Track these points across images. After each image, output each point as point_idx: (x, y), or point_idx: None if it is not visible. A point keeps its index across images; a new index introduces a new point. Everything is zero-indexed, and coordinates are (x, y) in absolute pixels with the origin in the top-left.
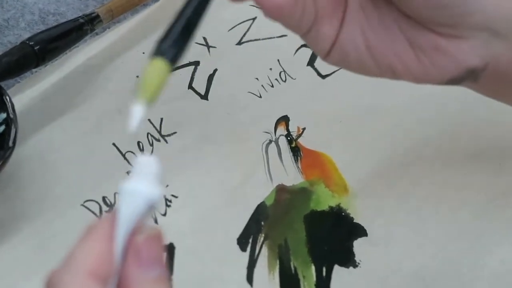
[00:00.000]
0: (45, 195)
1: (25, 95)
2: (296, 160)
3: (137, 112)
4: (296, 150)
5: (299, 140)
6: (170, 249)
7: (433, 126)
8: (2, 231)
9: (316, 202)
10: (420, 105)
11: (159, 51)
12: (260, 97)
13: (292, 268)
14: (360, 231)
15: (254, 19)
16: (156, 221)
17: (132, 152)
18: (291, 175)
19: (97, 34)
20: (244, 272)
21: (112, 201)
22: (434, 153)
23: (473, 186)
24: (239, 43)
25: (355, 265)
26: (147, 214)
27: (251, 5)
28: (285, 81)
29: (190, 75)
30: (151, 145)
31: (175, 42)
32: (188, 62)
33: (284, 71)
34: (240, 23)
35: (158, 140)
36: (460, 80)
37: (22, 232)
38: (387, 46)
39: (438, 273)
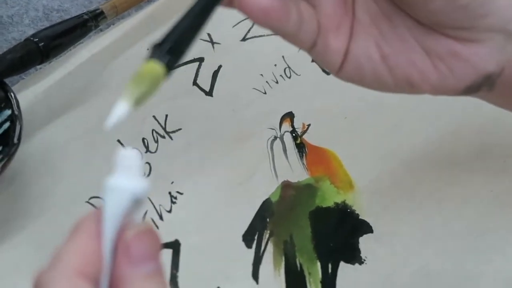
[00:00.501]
0: (50, 192)
1: (29, 91)
2: (301, 157)
3: (119, 111)
4: (301, 147)
5: (304, 136)
6: (176, 245)
7: (438, 123)
8: (6, 228)
9: (322, 199)
10: (425, 102)
11: (155, 54)
12: (265, 93)
13: (298, 265)
14: (365, 228)
15: None
16: (161, 218)
17: (137, 149)
18: (296, 172)
19: (101, 30)
20: (249, 268)
21: None
22: (439, 150)
23: (477, 183)
24: (244, 39)
25: (360, 261)
26: (134, 209)
27: None
28: (290, 77)
29: (195, 72)
30: (156, 141)
31: (173, 47)
32: (192, 58)
33: (288, 67)
34: (245, 19)
35: (163, 137)
36: (477, 87)
37: (26, 229)
38: (403, 55)
39: (442, 269)
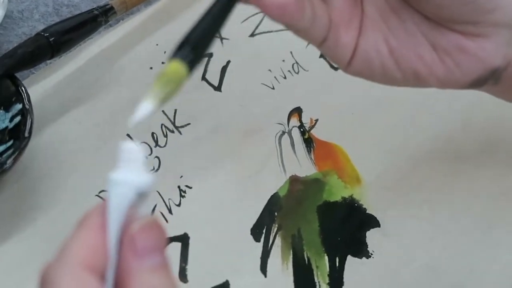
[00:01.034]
0: (60, 185)
1: (39, 86)
2: (309, 151)
3: (144, 109)
4: (309, 142)
5: (312, 131)
6: (185, 239)
7: (445, 119)
8: (17, 220)
9: (329, 193)
10: (432, 98)
11: (179, 53)
12: (273, 88)
13: (306, 259)
14: (372, 222)
15: None
16: (170, 212)
17: (146, 143)
18: (304, 166)
19: (111, 25)
20: (258, 262)
21: None
22: (446, 146)
23: (484, 179)
24: (252, 35)
25: (368, 255)
26: (138, 203)
27: None
28: (298, 73)
29: (204, 67)
30: (165, 136)
31: (195, 46)
32: None
33: (297, 62)
34: (253, 15)
35: (172, 132)
36: (483, 81)
37: (37, 222)
38: (410, 50)
39: (449, 264)
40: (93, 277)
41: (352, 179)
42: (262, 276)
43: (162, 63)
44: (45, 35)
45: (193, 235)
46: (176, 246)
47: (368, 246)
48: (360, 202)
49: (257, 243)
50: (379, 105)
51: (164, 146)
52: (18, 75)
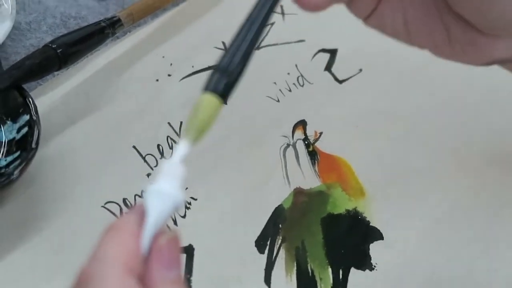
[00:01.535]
0: (66, 196)
1: (47, 97)
2: (313, 164)
3: (182, 149)
4: (313, 154)
5: (316, 144)
6: (190, 250)
7: (448, 131)
8: (24, 230)
9: (333, 205)
10: (436, 111)
11: (212, 87)
12: (278, 101)
13: (309, 270)
14: (376, 235)
15: (272, 24)
16: (175, 223)
17: (152, 155)
18: (308, 179)
19: (118, 38)
20: (262, 273)
21: (133, 203)
22: (449, 158)
23: (486, 192)
24: (257, 47)
25: (371, 268)
26: (171, 215)
27: None
28: (302, 86)
29: None
30: (171, 148)
31: (228, 78)
32: (207, 66)
33: (301, 75)
34: None
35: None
36: (489, 65)
37: (43, 232)
38: (424, 28)
39: (453, 277)
40: (133, 279)
41: (356, 191)
42: (266, 287)
43: (169, 75)
44: (53, 46)
45: (198, 247)
46: (181, 258)
47: (372, 258)
48: (364, 215)
49: (261, 254)
50: (383, 118)
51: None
52: (25, 86)
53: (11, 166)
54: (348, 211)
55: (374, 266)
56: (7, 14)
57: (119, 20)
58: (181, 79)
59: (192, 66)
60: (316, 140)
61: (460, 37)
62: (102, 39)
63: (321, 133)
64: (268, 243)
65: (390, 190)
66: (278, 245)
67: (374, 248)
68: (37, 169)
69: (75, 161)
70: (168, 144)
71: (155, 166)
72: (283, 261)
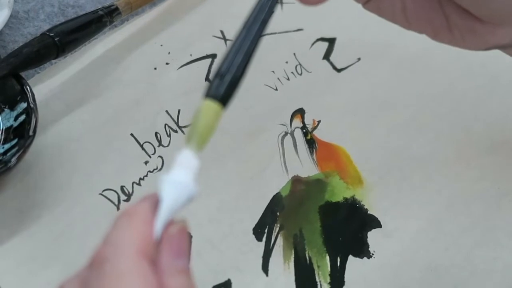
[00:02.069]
0: (64, 183)
1: (45, 85)
2: (311, 152)
3: (187, 157)
4: (311, 142)
5: (315, 132)
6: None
7: (447, 121)
8: (22, 218)
9: (331, 194)
10: (434, 100)
11: (212, 93)
12: (276, 90)
13: (307, 258)
14: (374, 223)
15: None
16: None
17: (150, 142)
18: (306, 167)
19: (115, 26)
20: (259, 261)
21: (130, 191)
22: (447, 147)
23: (486, 180)
24: None
25: (369, 255)
26: (184, 207)
27: None
28: (301, 74)
29: (207, 68)
30: (169, 136)
31: (228, 83)
32: (205, 55)
33: (300, 64)
34: None
35: (176, 131)
36: (488, 50)
37: (42, 219)
38: (423, 15)
39: (451, 264)
40: (145, 262)
41: (354, 180)
42: (264, 275)
43: (167, 63)
44: (51, 34)
45: (196, 234)
46: (190, 248)
47: (370, 246)
48: (362, 203)
49: (259, 242)
50: (381, 107)
51: (168, 145)
52: (23, 74)
53: (9, 154)
54: (346, 199)
55: (372, 254)
56: (4, 3)
57: (117, 8)
58: (179, 68)
59: (190, 55)
60: (314, 128)
61: (460, 25)
62: (100, 28)
63: (319, 122)
64: (266, 231)
65: (389, 178)
66: (276, 233)
67: (372, 236)
68: (35, 157)
69: (73, 149)
70: (166, 132)
71: (152, 154)
72: (281, 248)
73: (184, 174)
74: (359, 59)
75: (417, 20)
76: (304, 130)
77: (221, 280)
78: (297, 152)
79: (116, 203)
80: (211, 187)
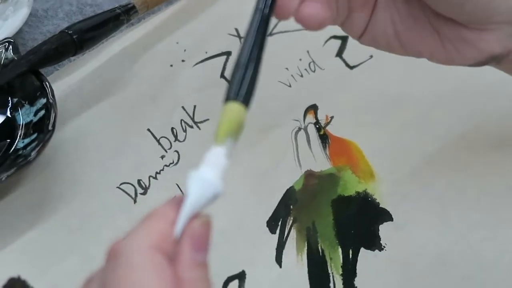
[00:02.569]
0: (82, 177)
1: (63, 82)
2: (324, 147)
3: (217, 156)
4: (324, 138)
5: (327, 128)
6: None
7: (458, 117)
8: (40, 211)
9: (343, 188)
10: (445, 97)
11: (232, 95)
12: (290, 86)
13: (320, 250)
14: (385, 216)
15: None
16: None
17: (166, 137)
18: (319, 162)
19: (132, 24)
20: (273, 253)
21: (147, 184)
22: (458, 143)
23: (495, 175)
24: (270, 34)
25: (380, 248)
26: (209, 204)
27: None
28: (314, 71)
29: (222, 65)
30: (185, 131)
31: (246, 83)
32: (220, 52)
33: (313, 61)
34: None
35: (191, 127)
36: (483, 64)
37: (59, 212)
38: (415, 35)
39: (460, 258)
40: (159, 255)
41: (366, 174)
42: (277, 266)
43: (182, 61)
44: (69, 32)
45: (212, 231)
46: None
47: (381, 239)
48: (374, 197)
49: (273, 235)
50: (393, 103)
51: (184, 140)
52: (42, 71)
53: (28, 148)
54: (358, 193)
55: (384, 247)
56: (24, 1)
57: (134, 7)
58: (195, 65)
59: (206, 52)
60: (327, 124)
61: (450, 36)
62: (117, 26)
63: (332, 117)
64: (280, 223)
65: (400, 173)
66: (289, 226)
67: (384, 229)
68: (53, 152)
69: (91, 144)
70: (182, 127)
71: (169, 148)
72: (294, 241)
73: (212, 172)
74: (371, 56)
75: (411, 42)
76: (317, 126)
77: (236, 271)
78: (310, 147)
79: (133, 196)
80: (226, 181)
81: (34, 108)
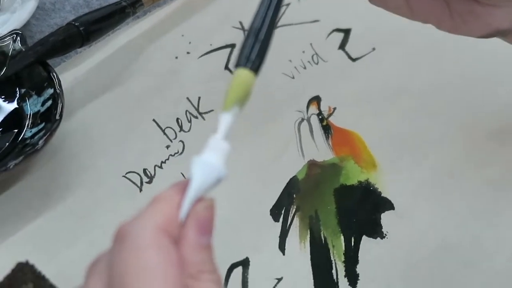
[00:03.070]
0: (89, 166)
1: (70, 73)
2: (327, 138)
3: (225, 120)
4: (327, 128)
5: (330, 118)
6: None
7: (458, 107)
8: (48, 199)
9: (346, 177)
10: (446, 88)
11: (243, 61)
12: (293, 78)
13: (322, 238)
14: (387, 205)
15: (288, 5)
16: None
17: (171, 128)
18: (322, 152)
19: (138, 17)
20: (276, 241)
21: (153, 173)
22: (458, 132)
23: (496, 164)
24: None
25: (382, 236)
26: (213, 188)
27: None
28: (317, 64)
29: (227, 57)
30: (189, 121)
31: (256, 51)
32: (225, 44)
33: (316, 54)
34: None
35: (196, 117)
36: (489, 37)
37: (66, 201)
38: (426, 4)
39: (460, 245)
40: (166, 238)
41: (368, 164)
42: (281, 254)
43: (187, 53)
44: (76, 24)
45: (216, 215)
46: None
47: (383, 227)
48: (376, 186)
49: (276, 223)
50: (394, 94)
51: (188, 131)
52: (50, 63)
53: (36, 137)
54: (360, 182)
55: (385, 235)
56: None
57: (139, 0)
58: (199, 57)
59: (210, 45)
60: (330, 115)
61: (460, 10)
62: (123, 18)
63: (334, 109)
64: (283, 212)
65: (401, 162)
66: (292, 214)
67: (385, 218)
68: (61, 141)
69: (98, 133)
70: (187, 118)
71: (174, 138)
72: (297, 229)
73: (215, 157)
74: (373, 49)
75: (420, 10)
76: (320, 117)
77: (240, 258)
78: (313, 138)
79: (139, 185)
80: (231, 170)
81: (42, 98)
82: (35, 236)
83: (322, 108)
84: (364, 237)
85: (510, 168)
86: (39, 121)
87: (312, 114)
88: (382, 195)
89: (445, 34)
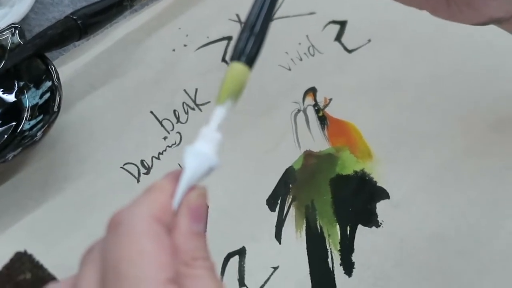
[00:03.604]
0: (87, 158)
1: (68, 66)
2: (323, 128)
3: (219, 113)
4: (323, 119)
5: (326, 109)
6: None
7: (455, 99)
8: (47, 190)
9: (342, 167)
10: (443, 79)
11: (237, 55)
12: (290, 69)
13: (318, 227)
14: (382, 194)
15: None
16: None
17: (168, 119)
18: (318, 142)
19: (136, 10)
20: (273, 230)
21: (150, 165)
22: (454, 123)
23: (492, 155)
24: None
25: (377, 225)
26: (205, 176)
27: None
28: (313, 55)
29: (223, 50)
30: (186, 113)
31: (251, 45)
32: (221, 37)
33: (312, 45)
34: None
35: (193, 109)
36: (484, 24)
37: (65, 191)
38: None
39: (456, 234)
40: (159, 226)
41: (364, 154)
42: (277, 243)
43: (185, 45)
44: (74, 17)
45: (213, 205)
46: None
47: (378, 216)
48: (371, 176)
49: (273, 212)
50: (390, 86)
51: (185, 122)
52: (48, 56)
53: (35, 129)
54: (356, 172)
55: (381, 224)
56: None
57: None
58: (196, 49)
59: (207, 37)
60: (325, 106)
61: None
62: (121, 11)
63: (330, 100)
64: (279, 202)
65: (397, 152)
66: (288, 204)
67: (381, 207)
68: (59, 133)
69: (96, 125)
70: (184, 109)
71: (171, 130)
72: (293, 218)
73: (207, 146)
74: (369, 40)
75: None
76: (316, 108)
77: (236, 247)
78: (309, 128)
79: (136, 176)
80: (227, 161)
81: (40, 91)
82: (34, 227)
83: (318, 99)
84: (359, 226)
85: (507, 159)
86: (37, 114)
87: (308, 105)
88: (377, 184)
89: (442, 25)
